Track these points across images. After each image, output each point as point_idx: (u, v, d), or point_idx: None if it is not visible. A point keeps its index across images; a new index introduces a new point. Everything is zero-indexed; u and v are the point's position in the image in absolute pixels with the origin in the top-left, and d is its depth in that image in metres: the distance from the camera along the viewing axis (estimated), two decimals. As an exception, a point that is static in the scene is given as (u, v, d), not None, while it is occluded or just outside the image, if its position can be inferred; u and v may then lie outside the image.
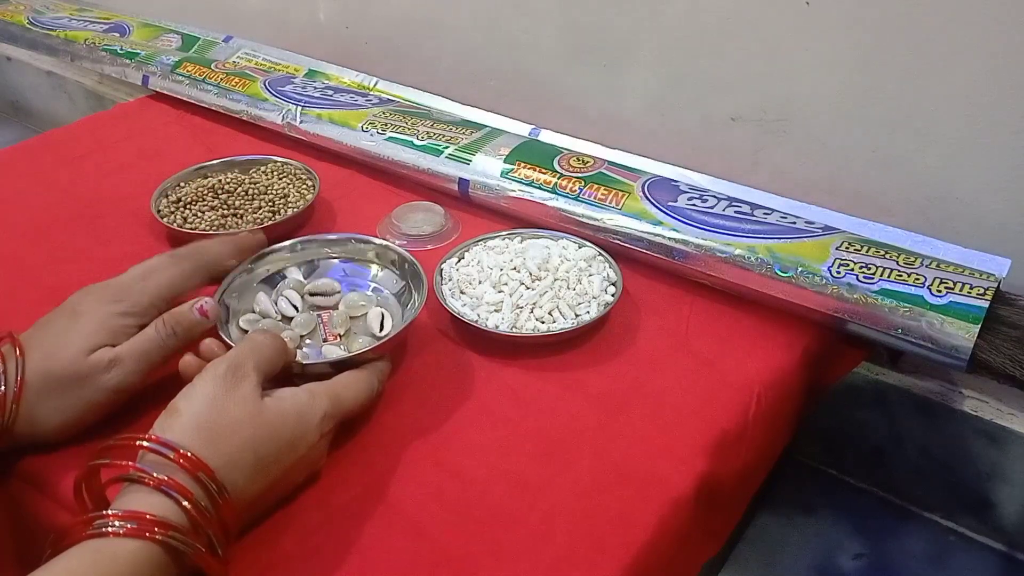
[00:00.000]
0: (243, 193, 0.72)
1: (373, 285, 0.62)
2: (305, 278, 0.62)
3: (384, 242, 0.63)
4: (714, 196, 0.65)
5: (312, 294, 0.60)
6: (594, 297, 0.60)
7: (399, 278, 0.61)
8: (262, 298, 0.59)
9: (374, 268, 0.62)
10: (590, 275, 0.61)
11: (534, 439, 0.51)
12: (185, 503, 0.39)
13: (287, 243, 0.63)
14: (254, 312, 0.58)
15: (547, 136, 0.81)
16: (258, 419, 0.44)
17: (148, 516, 0.38)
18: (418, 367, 0.57)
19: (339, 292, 0.60)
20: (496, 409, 0.54)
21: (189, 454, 0.41)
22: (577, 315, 0.59)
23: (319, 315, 0.58)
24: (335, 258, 0.63)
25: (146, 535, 0.38)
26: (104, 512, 0.39)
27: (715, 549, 0.54)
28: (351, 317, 0.58)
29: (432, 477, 0.49)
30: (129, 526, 0.38)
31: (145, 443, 0.41)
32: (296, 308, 0.59)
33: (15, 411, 0.47)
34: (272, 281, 0.61)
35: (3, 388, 0.47)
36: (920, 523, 0.72)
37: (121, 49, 1.02)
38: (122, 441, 0.42)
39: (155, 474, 0.40)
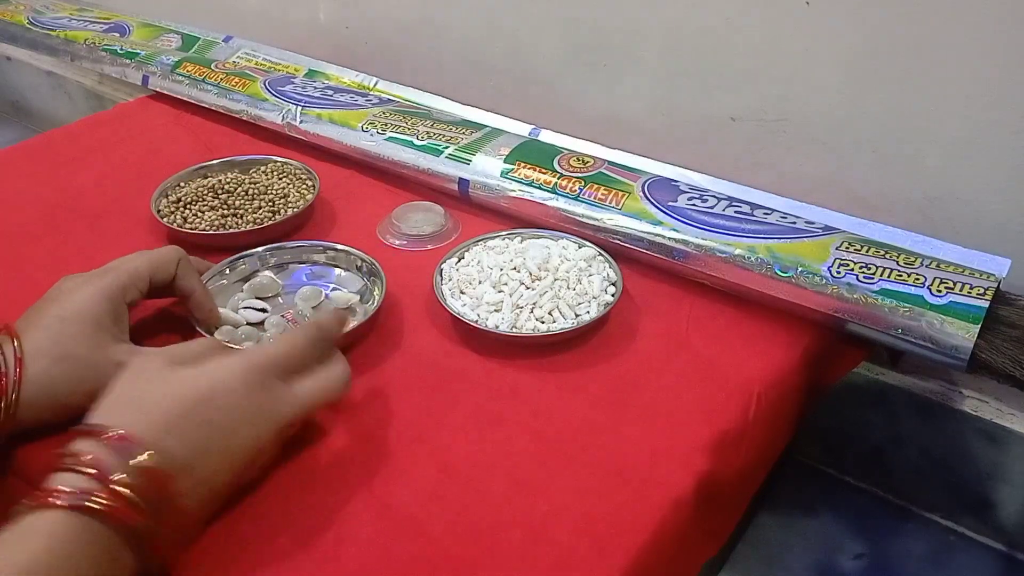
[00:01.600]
0: (243, 193, 0.72)
1: (332, 286, 0.64)
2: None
3: (346, 247, 0.65)
4: (714, 196, 0.65)
5: (258, 297, 0.63)
6: (594, 297, 0.60)
7: (360, 278, 0.64)
8: (228, 313, 0.60)
9: (337, 271, 0.65)
10: (590, 275, 0.61)
11: (534, 439, 0.51)
12: (91, 470, 0.39)
13: (258, 250, 0.66)
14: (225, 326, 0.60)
15: (547, 136, 0.81)
16: (164, 376, 0.45)
17: (57, 488, 0.38)
18: (418, 367, 0.57)
19: (279, 286, 0.64)
20: (496, 409, 0.54)
21: (111, 432, 0.41)
22: (577, 315, 0.59)
23: (283, 315, 0.61)
24: (300, 263, 0.66)
25: (49, 501, 0.38)
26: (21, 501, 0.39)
27: (715, 549, 0.54)
28: (312, 307, 0.62)
29: (432, 477, 0.49)
30: (35, 502, 0.38)
31: (76, 429, 0.42)
32: (266, 311, 0.61)
33: (16, 397, 0.48)
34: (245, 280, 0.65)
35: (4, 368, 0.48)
36: (920, 523, 0.72)
37: (121, 49, 1.02)
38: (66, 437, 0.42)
39: (76, 455, 0.40)
